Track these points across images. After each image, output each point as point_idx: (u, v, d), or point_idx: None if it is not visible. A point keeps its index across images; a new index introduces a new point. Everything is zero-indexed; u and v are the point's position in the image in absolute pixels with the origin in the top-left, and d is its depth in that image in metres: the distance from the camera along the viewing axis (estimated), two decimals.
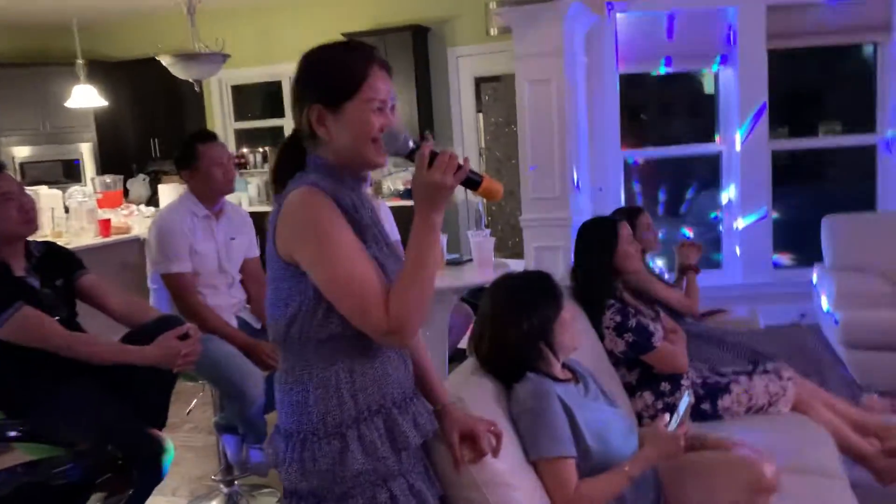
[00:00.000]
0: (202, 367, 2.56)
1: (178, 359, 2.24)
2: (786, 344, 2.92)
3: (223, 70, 6.47)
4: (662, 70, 5.07)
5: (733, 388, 2.50)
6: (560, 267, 4.46)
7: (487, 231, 3.19)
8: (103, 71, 6.98)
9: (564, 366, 1.91)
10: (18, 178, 6.95)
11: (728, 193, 5.12)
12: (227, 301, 2.87)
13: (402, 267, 1.41)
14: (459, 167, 1.36)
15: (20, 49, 7.37)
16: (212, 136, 2.90)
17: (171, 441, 2.28)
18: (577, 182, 4.54)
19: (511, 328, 1.80)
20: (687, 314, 3.14)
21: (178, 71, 4.14)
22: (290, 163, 1.50)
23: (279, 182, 1.51)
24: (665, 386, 2.50)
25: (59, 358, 2.18)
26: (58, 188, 5.42)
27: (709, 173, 5.26)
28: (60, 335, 2.18)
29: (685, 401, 1.86)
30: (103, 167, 7.17)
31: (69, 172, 7.26)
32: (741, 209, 5.01)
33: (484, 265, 2.99)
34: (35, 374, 2.21)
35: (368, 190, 3.46)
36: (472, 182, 1.40)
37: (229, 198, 3.01)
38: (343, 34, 6.42)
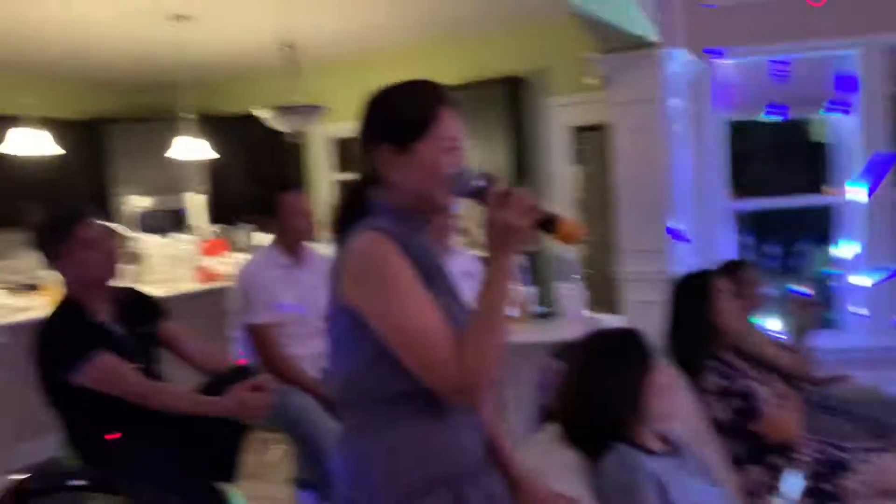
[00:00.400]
0: (279, 418, 2.51)
1: (250, 411, 2.18)
2: None
3: (325, 124, 6.67)
4: (768, 117, 4.80)
5: (859, 465, 2.21)
6: (660, 324, 4.22)
7: (578, 283, 3.02)
8: (212, 125, 7.29)
9: (660, 436, 1.71)
10: (137, 228, 7.34)
11: (845, 248, 4.73)
12: (309, 351, 2.83)
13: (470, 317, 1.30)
14: (534, 208, 1.27)
15: (137, 106, 7.86)
16: (292, 186, 2.91)
17: (243, 496, 2.22)
18: (679, 233, 4.30)
19: (595, 392, 1.63)
20: (803, 379, 2.84)
21: (278, 123, 4.25)
22: (353, 209, 1.43)
23: (342, 229, 1.43)
24: (777, 460, 2.23)
25: (135, 405, 2.17)
26: (166, 236, 5.65)
27: (821, 226, 4.89)
28: (137, 384, 2.18)
29: (798, 481, 1.63)
30: (210, 217, 7.47)
31: (180, 222, 7.59)
32: (864, 265, 4.61)
33: (574, 319, 2.82)
34: (111, 420, 2.21)
35: (458, 242, 3.40)
36: (548, 224, 1.30)
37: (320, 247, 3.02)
38: None
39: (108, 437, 2.17)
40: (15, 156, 5.08)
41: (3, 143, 4.71)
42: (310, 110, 4.23)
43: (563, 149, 6.50)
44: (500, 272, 1.28)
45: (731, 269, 2.93)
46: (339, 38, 6.30)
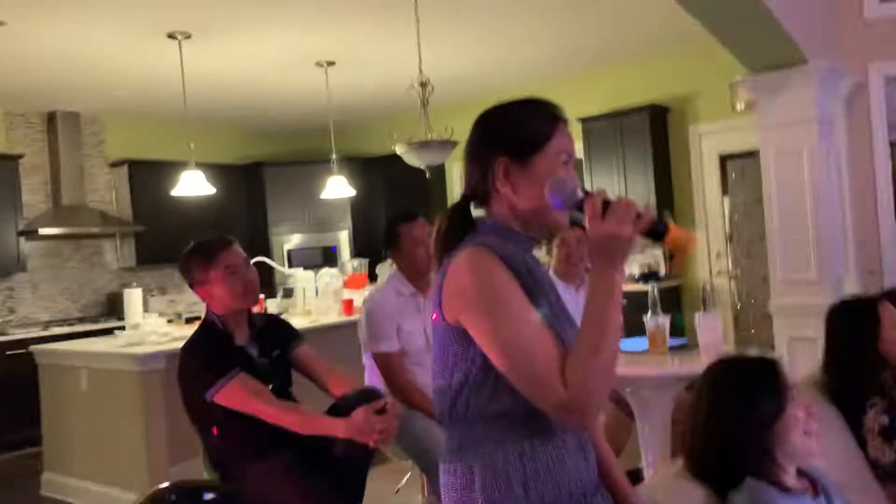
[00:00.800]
0: (405, 442, 2.52)
1: (373, 433, 2.20)
2: None
3: (461, 160, 6.77)
4: None
5: None
6: (818, 360, 3.86)
7: (716, 313, 2.84)
8: (356, 166, 7.70)
9: (802, 473, 1.55)
10: (286, 264, 7.77)
11: None
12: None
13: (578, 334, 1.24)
14: (639, 215, 1.20)
15: (287, 151, 8.42)
16: (412, 216, 2.96)
17: None
18: (839, 264, 3.95)
19: (724, 422, 1.50)
20: None
21: (411, 159, 4.36)
22: (458, 229, 1.40)
23: (447, 249, 1.40)
24: None
25: (270, 426, 2.25)
26: (315, 271, 5.93)
27: None
28: (269, 403, 2.26)
29: None
30: (356, 252, 7.78)
31: (327, 257, 7.98)
32: None
33: (710, 350, 2.63)
34: (248, 440, 2.30)
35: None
36: (655, 232, 1.23)
37: None
38: (578, 119, 6.43)
39: (242, 455, 2.26)
40: (183, 197, 5.55)
41: (175, 187, 5.15)
42: (442, 146, 4.32)
43: (712, 177, 6.22)
44: (607, 285, 1.22)
45: (893, 295, 2.63)
46: (471, 77, 6.42)
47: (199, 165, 5.15)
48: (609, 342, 1.20)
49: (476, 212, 1.43)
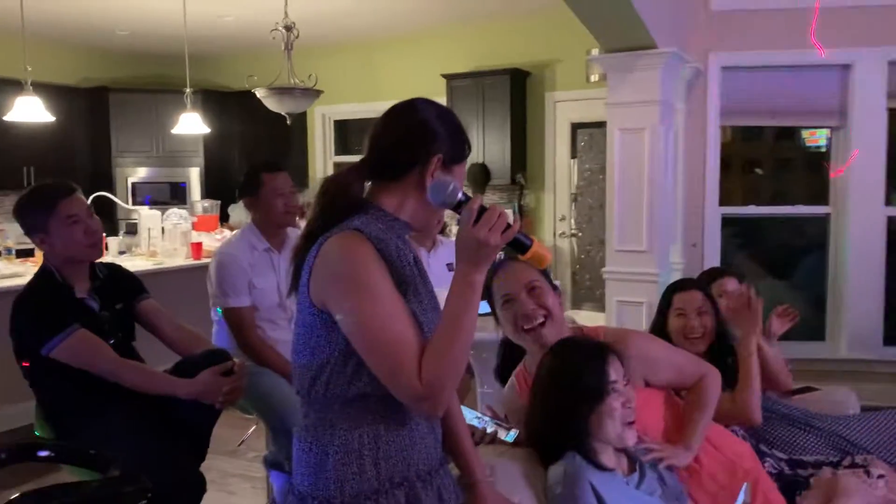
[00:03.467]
0: (252, 399, 2.54)
1: (220, 395, 2.21)
2: (886, 431, 2.59)
3: (326, 105, 6.66)
4: (775, 125, 4.80)
5: (813, 482, 2.23)
6: (643, 324, 4.24)
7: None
8: (213, 100, 7.34)
9: (623, 451, 1.72)
10: (130, 197, 7.36)
11: (835, 259, 4.74)
12: (287, 336, 2.83)
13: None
14: (508, 227, 1.29)
15: (137, 76, 7.88)
16: (277, 167, 2.89)
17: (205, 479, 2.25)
18: (668, 236, 4.32)
19: (551, 401, 1.66)
20: (774, 388, 2.84)
21: (272, 104, 4.25)
22: (338, 203, 1.41)
23: (322, 223, 1.40)
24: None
25: (110, 382, 2.20)
26: (161, 209, 5.67)
27: (819, 237, 4.90)
28: (109, 361, 2.20)
29: (742, 497, 1.66)
30: (208, 191, 7.49)
31: (176, 194, 7.63)
32: (851, 279, 4.62)
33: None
34: (86, 396, 2.23)
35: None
36: (519, 245, 1.33)
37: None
38: (443, 75, 6.49)
39: (79, 411, 2.20)
40: (18, 122, 5.10)
41: (7, 111, 4.72)
42: (305, 93, 4.23)
43: (563, 143, 6.52)
44: (469, 287, 1.29)
45: (709, 276, 2.93)
46: (338, 21, 6.29)
47: (36, 86, 4.72)
48: (462, 340, 1.28)
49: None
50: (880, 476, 2.22)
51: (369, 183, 1.45)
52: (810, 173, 5.32)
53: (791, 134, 5.29)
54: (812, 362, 4.63)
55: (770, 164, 5.87)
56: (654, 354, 1.94)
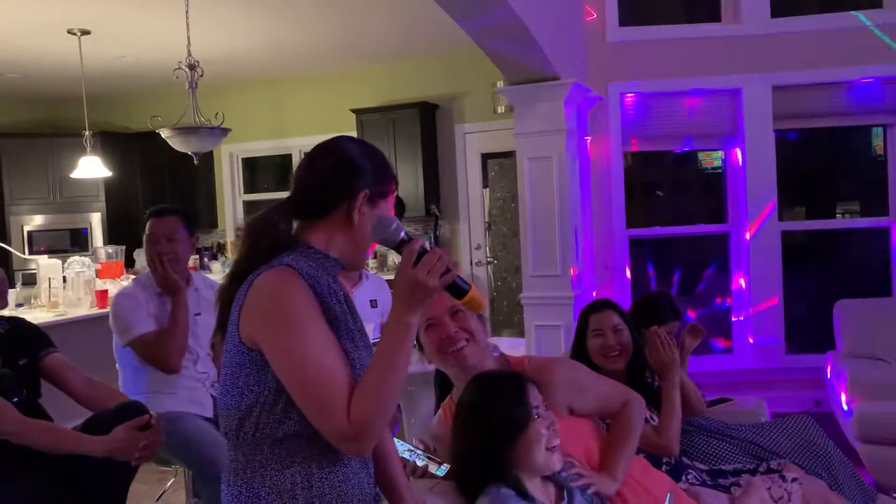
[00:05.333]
0: (172, 447, 2.44)
1: (136, 451, 2.11)
2: (795, 436, 2.72)
3: (234, 143, 6.55)
4: (672, 150, 5.04)
5: (734, 490, 2.32)
6: (561, 346, 4.33)
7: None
8: (114, 142, 7.10)
9: (549, 479, 1.72)
10: (26, 246, 6.98)
11: (738, 276, 4.98)
12: (193, 375, 2.74)
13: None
14: (448, 271, 1.29)
15: (31, 120, 7.55)
16: (162, 212, 2.77)
17: None
18: (579, 260, 4.44)
19: (473, 437, 1.64)
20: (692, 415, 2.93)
21: (178, 144, 4.14)
22: (274, 241, 1.40)
23: (248, 261, 1.39)
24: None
25: (16, 445, 2.07)
26: (61, 257, 5.40)
27: (721, 254, 5.15)
28: (13, 421, 2.07)
29: None
30: (111, 237, 7.19)
31: (77, 241, 7.29)
32: (752, 292, 4.86)
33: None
34: None
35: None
36: (457, 289, 1.34)
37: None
38: (353, 110, 6.50)
39: None
40: None
41: None
42: (211, 132, 4.14)
43: (475, 173, 6.63)
44: (403, 328, 1.29)
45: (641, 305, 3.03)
46: (244, 59, 6.23)
47: None
48: (394, 380, 1.27)
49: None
50: (794, 479, 2.33)
51: (297, 222, 1.44)
52: (707, 194, 5.61)
53: (689, 157, 5.56)
54: (721, 373, 4.85)
55: (669, 187, 6.15)
56: (580, 381, 1.95)
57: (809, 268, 5.48)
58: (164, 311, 2.72)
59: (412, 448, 1.83)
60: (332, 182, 1.41)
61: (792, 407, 4.28)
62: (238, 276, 1.38)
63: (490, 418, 1.63)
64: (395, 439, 1.80)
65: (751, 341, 4.88)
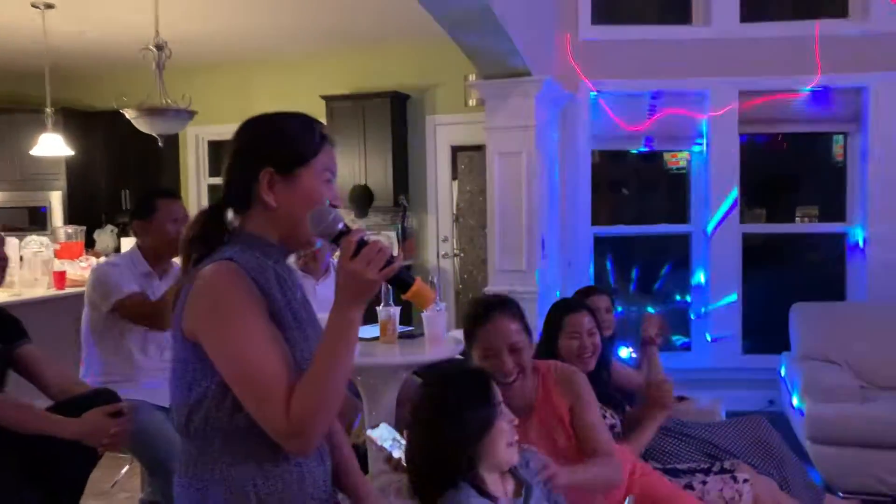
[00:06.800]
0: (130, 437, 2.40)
1: (105, 437, 2.07)
2: (749, 436, 2.79)
3: (200, 126, 6.45)
4: (639, 150, 5.09)
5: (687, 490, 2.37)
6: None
7: (441, 305, 3.08)
8: (76, 120, 6.94)
9: (512, 473, 1.73)
10: None
11: (698, 275, 5.07)
12: (157, 365, 2.71)
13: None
14: (389, 263, 1.25)
15: None
16: (173, 194, 2.86)
17: None
18: (545, 256, 4.47)
19: (438, 434, 1.60)
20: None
21: (143, 125, 4.07)
22: (210, 236, 1.38)
23: (195, 255, 1.38)
24: None
25: None
26: (18, 236, 5.27)
27: (682, 253, 5.23)
28: None
29: None
30: (71, 216, 7.04)
31: (36, 220, 7.13)
32: (710, 292, 4.95)
33: (435, 340, 2.87)
34: None
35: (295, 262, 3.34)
36: (400, 282, 1.28)
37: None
38: (322, 97, 6.44)
39: None
40: None
41: None
42: (177, 114, 4.07)
43: (444, 166, 6.62)
44: (345, 322, 1.25)
45: (585, 294, 3.06)
46: (214, 41, 6.13)
47: None
48: (336, 378, 1.24)
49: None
50: (745, 480, 2.39)
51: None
52: (671, 193, 5.68)
53: (654, 157, 5.63)
54: (679, 372, 4.92)
55: (634, 186, 6.23)
56: (587, 398, 2.11)
57: (767, 269, 5.60)
58: (149, 291, 2.71)
59: (397, 437, 1.82)
60: (236, 171, 1.38)
61: (746, 406, 4.37)
62: (188, 274, 1.38)
63: (460, 417, 1.61)
64: (383, 424, 1.79)
65: (709, 340, 4.97)
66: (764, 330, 5.15)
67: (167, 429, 2.47)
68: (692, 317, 5.09)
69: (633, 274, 5.54)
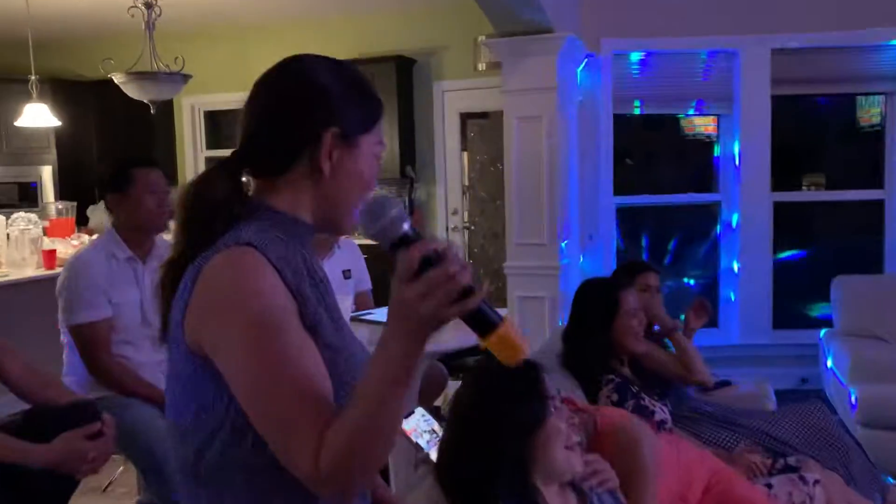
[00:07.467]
0: (118, 440, 2.13)
1: (83, 464, 1.80)
2: (808, 424, 2.52)
3: (195, 95, 6.14)
4: (640, 111, 4.79)
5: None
6: (545, 318, 4.09)
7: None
8: (65, 90, 6.61)
9: (570, 486, 1.47)
10: None
11: (726, 246, 4.78)
12: (152, 358, 2.43)
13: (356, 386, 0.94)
14: (465, 294, 0.86)
15: None
16: (150, 161, 2.54)
17: None
18: (567, 228, 4.18)
19: (475, 432, 1.37)
20: (693, 383, 2.72)
21: (133, 91, 3.76)
22: (221, 210, 1.03)
23: (198, 234, 1.03)
24: None
25: None
26: (7, 213, 4.99)
27: (707, 224, 4.94)
28: None
29: None
30: (63, 192, 6.74)
31: (26, 196, 6.83)
32: (740, 264, 4.67)
33: (459, 325, 2.59)
34: None
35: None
36: (479, 322, 0.88)
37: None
38: None
39: None
40: None
41: None
42: (170, 78, 3.76)
43: (453, 134, 6.30)
44: (402, 368, 0.88)
45: (630, 273, 2.79)
46: (208, 4, 5.79)
47: None
48: (380, 428, 0.90)
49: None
50: (816, 482, 2.12)
51: (254, 181, 1.09)
52: (698, 161, 5.36)
53: (668, 121, 5.30)
54: (706, 349, 4.67)
55: (660, 152, 5.89)
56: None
57: (798, 241, 5.31)
58: (133, 278, 2.45)
59: (435, 429, 1.55)
60: (283, 124, 1.05)
61: (779, 384, 4.11)
62: (179, 263, 1.03)
63: (501, 411, 1.36)
64: (419, 409, 1.53)
65: (737, 315, 4.70)
66: (798, 304, 4.88)
67: (158, 426, 2.21)
68: (721, 291, 4.81)
69: (656, 247, 5.24)
